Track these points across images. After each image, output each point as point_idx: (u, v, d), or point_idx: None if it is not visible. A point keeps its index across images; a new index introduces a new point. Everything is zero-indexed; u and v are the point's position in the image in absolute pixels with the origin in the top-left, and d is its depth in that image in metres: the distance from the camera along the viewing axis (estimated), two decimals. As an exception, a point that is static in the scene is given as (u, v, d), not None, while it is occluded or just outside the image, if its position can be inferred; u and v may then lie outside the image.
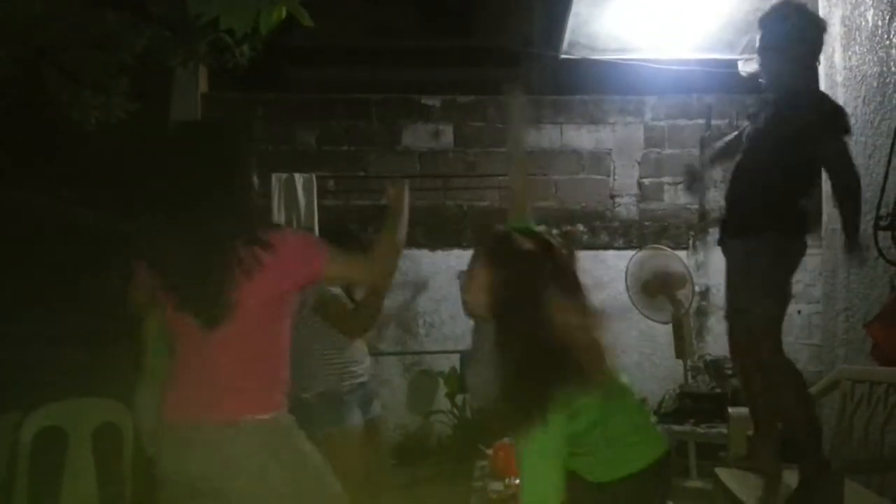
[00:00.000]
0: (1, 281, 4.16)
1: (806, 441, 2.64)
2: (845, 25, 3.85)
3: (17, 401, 3.62)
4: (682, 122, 6.06)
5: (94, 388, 3.74)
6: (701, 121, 5.96)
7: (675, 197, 6.02)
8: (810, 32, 2.90)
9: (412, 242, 5.77)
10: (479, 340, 4.06)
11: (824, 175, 3.00)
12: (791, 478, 2.69)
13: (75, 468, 3.47)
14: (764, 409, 2.94)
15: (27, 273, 4.34)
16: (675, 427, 4.35)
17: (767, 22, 2.96)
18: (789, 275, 2.84)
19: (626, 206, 6.03)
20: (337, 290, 3.39)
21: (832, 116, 2.83)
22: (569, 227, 4.29)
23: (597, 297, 6.04)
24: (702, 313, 5.57)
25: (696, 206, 5.90)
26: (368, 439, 3.37)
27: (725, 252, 2.97)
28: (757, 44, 3.00)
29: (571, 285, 2.06)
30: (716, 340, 5.37)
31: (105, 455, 3.56)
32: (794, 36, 2.86)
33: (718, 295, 5.67)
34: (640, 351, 5.75)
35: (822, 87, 4.09)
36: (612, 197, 6.06)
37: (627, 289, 4.83)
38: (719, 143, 3.58)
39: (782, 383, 2.70)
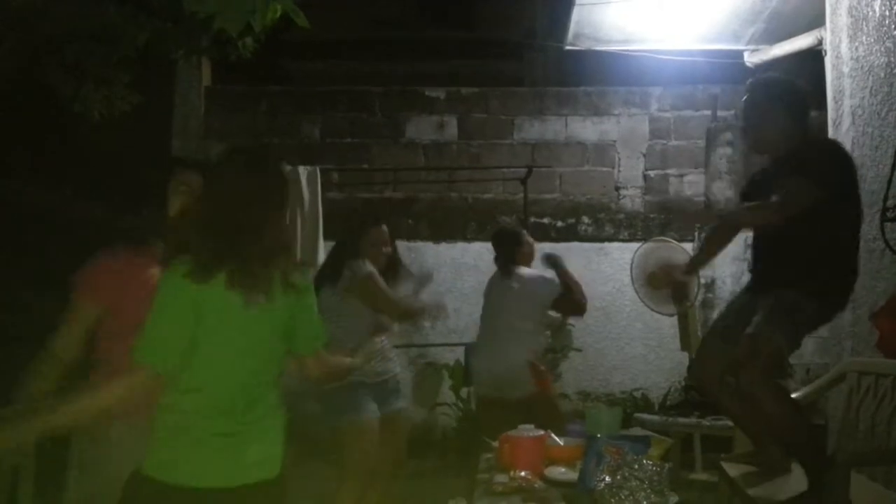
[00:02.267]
0: (7, 274, 4.17)
1: (803, 452, 2.61)
2: (852, 16, 3.82)
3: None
4: (687, 113, 6.03)
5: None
6: (707, 112, 5.93)
7: (681, 189, 6.01)
8: (793, 98, 2.74)
9: (416, 235, 5.78)
10: (486, 329, 4.05)
11: None
12: (798, 470, 2.68)
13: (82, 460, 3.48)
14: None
15: (31, 265, 4.35)
16: (681, 419, 4.35)
17: (747, 100, 2.82)
18: (815, 328, 2.75)
19: (631, 198, 6.02)
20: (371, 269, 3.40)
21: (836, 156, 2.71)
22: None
23: (601, 290, 6.02)
24: (707, 306, 5.56)
25: (701, 199, 5.88)
26: (385, 433, 3.39)
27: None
28: (741, 121, 2.88)
29: None
30: (721, 332, 5.37)
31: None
32: (776, 103, 2.72)
33: (724, 287, 5.66)
34: (646, 343, 5.75)
35: (829, 78, 4.06)
36: (617, 189, 6.04)
37: (632, 281, 4.80)
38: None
39: (774, 415, 2.63)
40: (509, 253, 4.11)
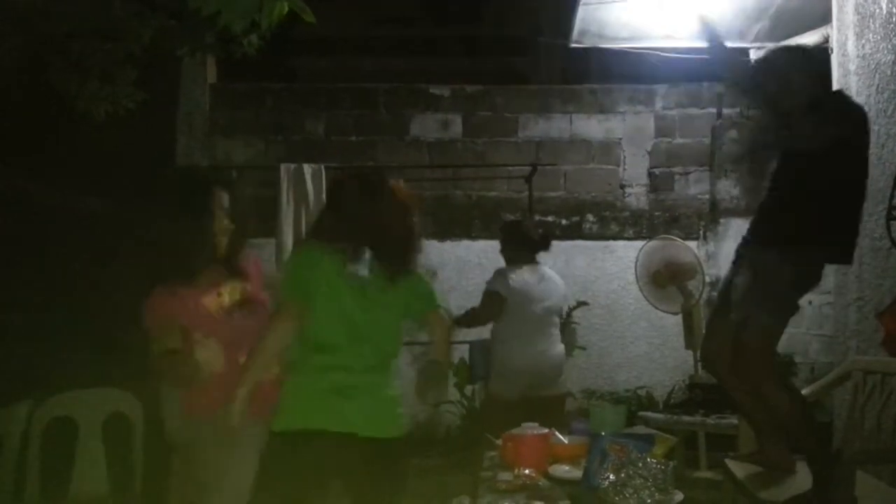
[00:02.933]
0: (11, 272, 4.18)
1: (808, 442, 2.60)
2: (859, 13, 3.80)
3: (28, 391, 3.64)
4: (692, 111, 6.01)
5: (104, 378, 3.76)
6: (712, 110, 5.91)
7: (686, 187, 5.99)
8: (805, 74, 2.72)
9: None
10: (520, 324, 3.98)
11: None
12: (803, 469, 2.68)
13: (86, 457, 3.50)
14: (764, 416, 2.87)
15: (36, 264, 4.35)
16: (686, 418, 4.34)
17: (761, 76, 2.83)
18: (801, 292, 2.68)
19: (636, 196, 6.00)
20: None
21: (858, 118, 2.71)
22: None
23: (606, 288, 6.03)
24: (712, 304, 5.54)
25: (706, 197, 5.87)
26: None
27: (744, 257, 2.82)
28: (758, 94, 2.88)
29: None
30: (726, 331, 5.35)
31: (115, 444, 3.58)
32: (790, 84, 2.70)
33: (729, 285, 5.65)
34: (650, 342, 5.74)
35: (835, 75, 4.04)
36: (622, 187, 6.03)
37: (637, 279, 4.81)
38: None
39: (774, 402, 2.61)
40: (534, 246, 4.12)
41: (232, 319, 2.53)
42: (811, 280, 2.70)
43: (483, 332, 4.42)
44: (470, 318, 4.07)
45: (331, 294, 2.24)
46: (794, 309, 2.69)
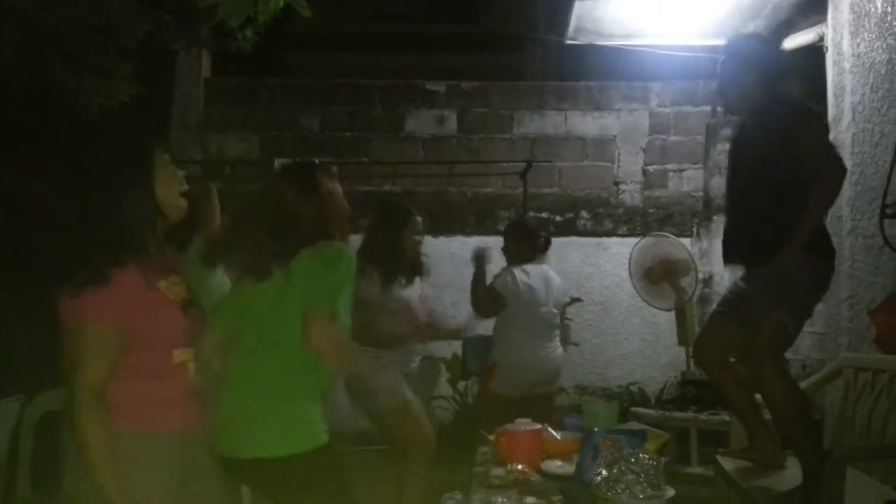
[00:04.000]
0: (4, 266, 4.17)
1: (805, 440, 2.62)
2: (854, 12, 3.81)
3: (20, 385, 3.63)
4: (687, 108, 6.03)
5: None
6: (706, 107, 5.93)
7: (680, 184, 6.01)
8: (766, 57, 2.78)
9: (415, 228, 5.77)
10: (522, 324, 3.98)
11: None
12: (794, 465, 2.69)
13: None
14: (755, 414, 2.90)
15: (30, 257, 4.33)
16: (678, 414, 4.35)
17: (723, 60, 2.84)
18: (816, 297, 2.75)
19: (631, 193, 6.02)
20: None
21: (807, 115, 2.70)
22: None
23: (599, 284, 6.00)
24: (705, 301, 5.55)
25: (700, 194, 5.89)
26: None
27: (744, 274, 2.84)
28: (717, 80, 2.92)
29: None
30: (719, 328, 5.37)
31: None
32: (750, 66, 2.74)
33: (722, 283, 5.66)
34: (643, 338, 5.76)
35: (830, 74, 4.06)
36: (617, 184, 6.04)
37: (631, 276, 4.82)
38: None
39: (775, 396, 2.64)
40: (538, 245, 4.12)
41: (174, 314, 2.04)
42: (825, 285, 2.77)
43: (477, 328, 4.42)
44: (475, 300, 4.07)
45: (217, 315, 2.18)
46: (810, 313, 2.74)
